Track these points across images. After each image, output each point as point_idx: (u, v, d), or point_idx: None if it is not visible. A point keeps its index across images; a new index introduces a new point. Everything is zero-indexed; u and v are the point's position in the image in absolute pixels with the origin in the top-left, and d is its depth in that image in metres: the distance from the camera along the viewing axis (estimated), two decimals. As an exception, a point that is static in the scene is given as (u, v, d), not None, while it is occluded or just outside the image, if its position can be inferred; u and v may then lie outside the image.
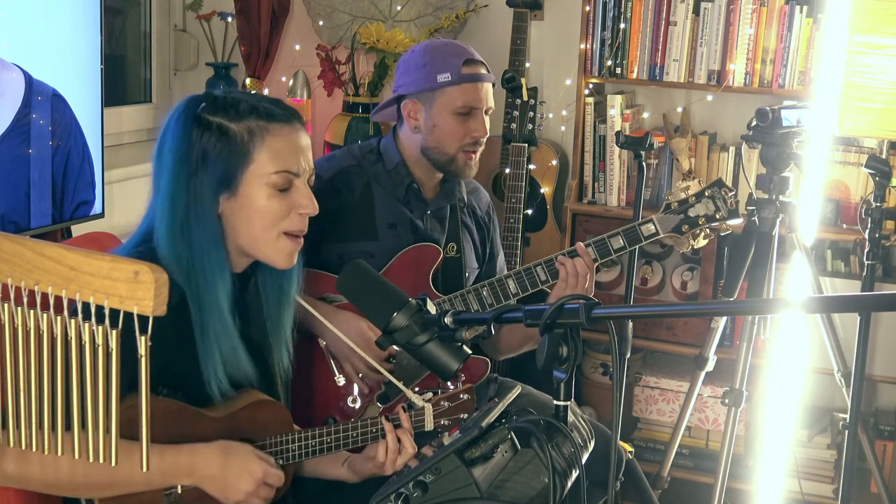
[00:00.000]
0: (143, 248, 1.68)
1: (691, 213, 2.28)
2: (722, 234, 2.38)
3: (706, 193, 2.29)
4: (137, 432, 1.55)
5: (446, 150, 2.34)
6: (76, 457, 1.09)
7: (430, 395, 1.87)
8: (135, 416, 1.55)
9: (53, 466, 1.57)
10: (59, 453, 1.09)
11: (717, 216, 2.28)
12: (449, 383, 1.92)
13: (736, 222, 2.32)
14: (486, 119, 2.38)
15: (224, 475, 1.66)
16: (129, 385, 1.59)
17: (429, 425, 1.85)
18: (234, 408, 1.73)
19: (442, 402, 1.86)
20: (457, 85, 2.31)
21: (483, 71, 2.36)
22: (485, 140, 2.38)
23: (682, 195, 2.30)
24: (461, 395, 1.88)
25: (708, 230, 2.30)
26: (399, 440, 1.81)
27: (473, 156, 2.36)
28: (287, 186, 1.69)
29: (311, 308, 1.93)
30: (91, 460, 1.08)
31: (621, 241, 2.28)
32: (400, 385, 1.91)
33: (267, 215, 1.68)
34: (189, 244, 1.65)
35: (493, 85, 2.41)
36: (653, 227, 2.28)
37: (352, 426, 1.82)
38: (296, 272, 1.82)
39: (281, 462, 1.77)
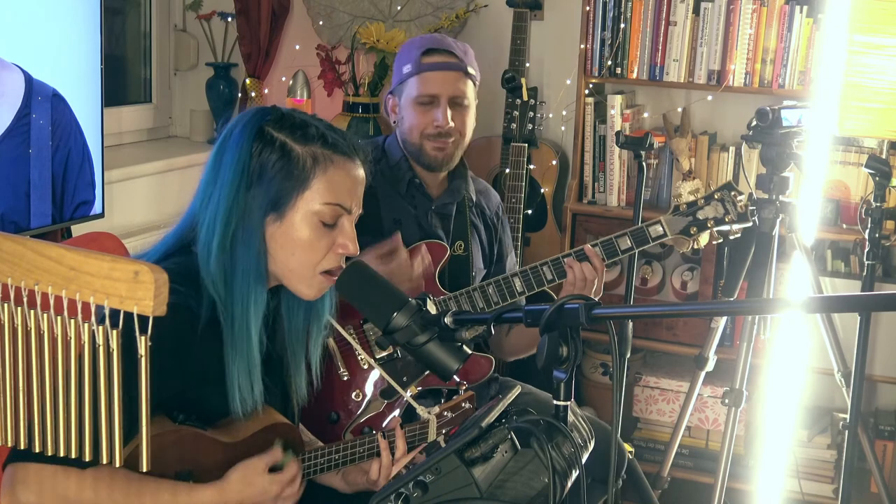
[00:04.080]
0: (179, 259, 1.64)
1: (700, 215, 2.27)
2: (731, 238, 2.37)
3: (715, 196, 2.28)
4: (162, 463, 1.57)
5: (413, 140, 2.36)
6: (74, 455, 1.09)
7: (436, 408, 1.88)
8: (159, 447, 1.57)
9: (78, 499, 1.55)
10: (62, 454, 1.09)
11: (727, 219, 2.27)
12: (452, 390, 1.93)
13: (744, 226, 2.31)
14: (465, 112, 2.35)
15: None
16: (154, 410, 1.60)
17: (432, 436, 1.86)
18: (247, 431, 1.73)
19: (445, 413, 1.87)
20: (416, 75, 2.33)
21: (447, 59, 2.34)
22: (452, 130, 2.33)
23: (691, 197, 2.29)
24: (463, 404, 1.89)
25: (716, 233, 2.29)
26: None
27: (443, 145, 2.34)
28: (333, 222, 1.65)
29: (342, 329, 1.92)
30: (88, 459, 1.08)
31: (629, 241, 2.28)
32: (410, 399, 1.92)
33: (307, 250, 1.64)
34: (233, 260, 1.62)
35: (469, 75, 2.36)
36: (661, 229, 2.27)
37: (359, 443, 1.83)
38: (328, 297, 1.78)
39: None
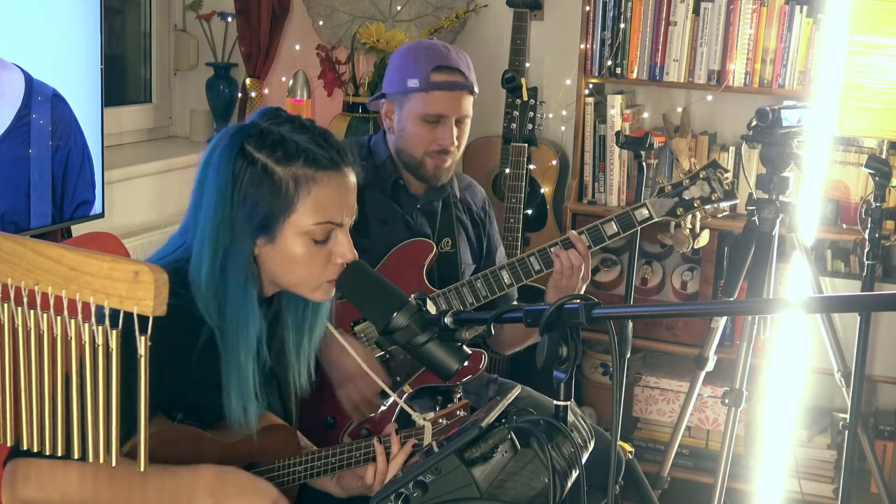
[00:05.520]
0: (177, 266, 1.63)
1: (686, 195, 2.26)
2: (719, 217, 2.35)
3: (701, 175, 2.27)
4: (159, 461, 1.58)
5: (413, 155, 2.34)
6: (76, 456, 1.09)
7: (431, 414, 1.88)
8: (156, 445, 1.57)
9: (75, 492, 1.55)
10: (60, 453, 1.09)
11: (713, 197, 2.26)
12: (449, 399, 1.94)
13: (731, 203, 2.29)
14: (465, 127, 2.36)
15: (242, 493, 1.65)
16: (153, 410, 1.60)
17: (427, 443, 1.86)
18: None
19: (440, 420, 1.87)
20: (424, 92, 2.29)
21: (457, 79, 2.32)
22: (454, 148, 2.34)
23: (676, 178, 2.30)
24: (458, 412, 1.89)
25: (704, 212, 2.27)
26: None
27: (443, 162, 2.34)
28: (325, 237, 1.63)
29: (338, 335, 1.92)
30: (91, 460, 1.09)
31: (615, 226, 2.26)
32: (403, 404, 1.91)
33: (304, 266, 1.63)
34: (224, 284, 1.61)
35: (473, 92, 2.36)
36: (646, 212, 2.27)
37: (356, 447, 1.83)
38: (325, 303, 1.78)
39: (287, 483, 1.78)
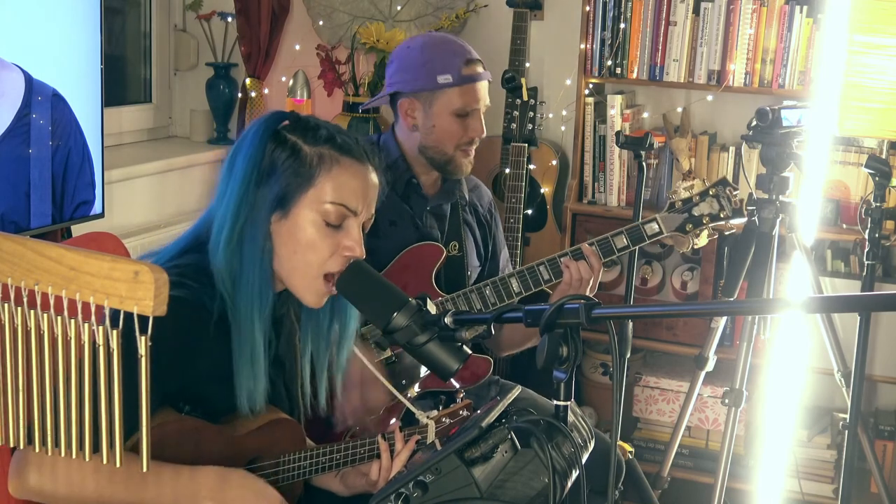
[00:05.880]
0: (194, 257, 1.66)
1: (695, 212, 2.27)
2: (726, 234, 2.37)
3: (710, 192, 2.28)
4: (164, 453, 1.58)
5: (445, 150, 2.34)
6: (74, 456, 1.09)
7: (434, 412, 1.88)
8: (161, 436, 1.58)
9: (80, 483, 1.56)
10: (62, 454, 1.09)
11: (722, 215, 2.27)
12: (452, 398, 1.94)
13: (740, 221, 2.31)
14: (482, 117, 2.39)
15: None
16: (160, 402, 1.60)
17: (431, 441, 1.87)
18: (252, 426, 1.73)
19: (444, 419, 1.87)
20: (459, 87, 2.31)
21: (480, 69, 2.36)
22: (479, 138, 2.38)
23: (686, 194, 2.29)
24: (461, 411, 1.89)
25: (712, 229, 2.29)
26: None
27: (471, 153, 2.37)
28: (339, 223, 1.65)
29: (361, 354, 1.92)
30: (87, 459, 1.08)
31: (625, 240, 2.27)
32: (407, 402, 1.91)
33: (310, 250, 1.64)
34: (240, 255, 1.64)
35: (489, 81, 2.40)
36: (656, 227, 2.27)
37: (359, 444, 1.83)
38: (352, 316, 1.78)
39: (292, 478, 1.78)
